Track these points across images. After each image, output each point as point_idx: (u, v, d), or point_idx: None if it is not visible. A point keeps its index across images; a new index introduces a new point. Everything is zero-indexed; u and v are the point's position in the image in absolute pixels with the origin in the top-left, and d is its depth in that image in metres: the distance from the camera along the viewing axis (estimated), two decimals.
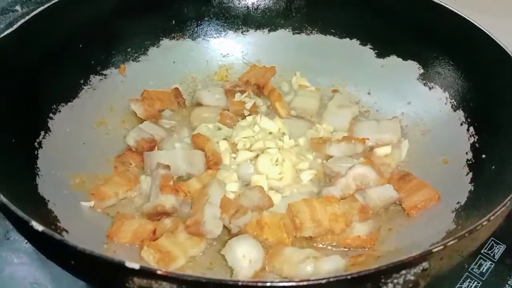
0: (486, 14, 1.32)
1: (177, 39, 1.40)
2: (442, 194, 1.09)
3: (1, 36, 1.10)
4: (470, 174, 1.10)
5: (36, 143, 1.10)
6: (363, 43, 1.37)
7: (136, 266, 0.73)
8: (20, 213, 0.82)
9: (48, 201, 1.02)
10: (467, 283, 1.11)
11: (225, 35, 1.42)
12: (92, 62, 1.29)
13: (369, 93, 1.36)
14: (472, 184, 1.08)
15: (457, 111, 1.22)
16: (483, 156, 1.10)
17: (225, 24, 1.42)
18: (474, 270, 1.13)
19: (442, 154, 1.18)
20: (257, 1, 1.41)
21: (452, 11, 1.23)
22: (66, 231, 0.97)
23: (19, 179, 1.00)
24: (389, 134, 1.23)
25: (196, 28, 1.41)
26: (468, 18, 1.21)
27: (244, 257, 0.99)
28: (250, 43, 1.42)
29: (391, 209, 1.12)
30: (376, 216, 1.10)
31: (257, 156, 1.17)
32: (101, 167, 1.17)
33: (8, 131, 1.05)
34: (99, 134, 1.24)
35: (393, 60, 1.34)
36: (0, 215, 0.94)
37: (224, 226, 1.04)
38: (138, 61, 1.36)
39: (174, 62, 1.39)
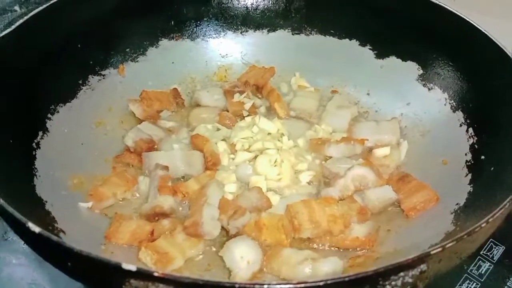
0: (485, 14, 1.32)
1: (176, 40, 1.39)
2: (441, 195, 1.08)
3: None
4: (469, 175, 1.10)
5: (34, 144, 1.10)
6: (363, 43, 1.36)
7: (133, 267, 0.73)
8: (16, 214, 0.82)
9: (46, 202, 1.02)
10: (466, 285, 1.11)
11: (224, 35, 1.42)
12: (91, 62, 1.28)
13: (368, 94, 1.35)
14: (471, 185, 1.07)
15: (457, 112, 1.21)
16: (482, 157, 1.10)
17: (224, 25, 1.41)
18: (473, 272, 1.13)
19: (441, 155, 1.18)
20: (256, 2, 1.41)
21: (451, 12, 1.23)
22: (64, 232, 0.97)
23: (16, 180, 1.00)
24: (388, 135, 1.23)
25: (195, 29, 1.41)
26: (467, 19, 1.20)
27: (242, 259, 0.99)
28: (249, 44, 1.42)
29: (390, 210, 1.11)
30: (374, 217, 1.09)
31: (255, 157, 1.16)
32: (99, 167, 1.17)
33: (6, 132, 1.04)
34: (97, 135, 1.23)
35: (393, 60, 1.33)
36: None
37: (222, 227, 1.04)
38: (137, 61, 1.35)
39: (173, 63, 1.39)
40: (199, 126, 1.25)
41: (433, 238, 0.97)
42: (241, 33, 1.42)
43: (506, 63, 1.11)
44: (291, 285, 0.74)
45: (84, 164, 1.15)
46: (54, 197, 1.04)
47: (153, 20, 1.36)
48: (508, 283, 1.11)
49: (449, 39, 1.24)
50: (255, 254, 1.00)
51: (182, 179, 1.15)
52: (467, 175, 1.10)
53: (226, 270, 1.00)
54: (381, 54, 1.35)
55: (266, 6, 1.41)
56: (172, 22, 1.38)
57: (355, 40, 1.37)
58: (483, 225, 0.84)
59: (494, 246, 1.16)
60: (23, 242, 1.11)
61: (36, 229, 0.80)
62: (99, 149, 1.20)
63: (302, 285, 0.73)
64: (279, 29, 1.41)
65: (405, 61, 1.32)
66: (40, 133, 1.13)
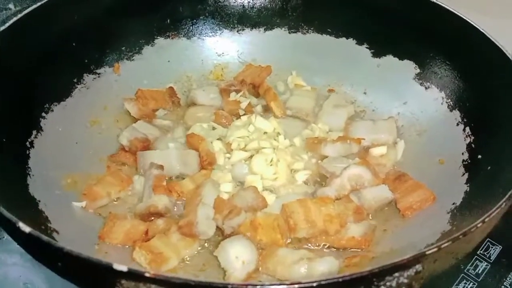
0: (483, 13, 1.31)
1: (172, 38, 1.39)
2: (437, 195, 1.08)
3: None
4: (466, 175, 1.09)
5: (27, 143, 1.09)
6: (359, 42, 1.36)
7: (124, 268, 0.72)
8: (6, 213, 0.81)
9: (39, 201, 1.01)
10: (463, 284, 1.11)
11: (220, 34, 1.41)
12: (86, 60, 1.28)
13: (365, 93, 1.35)
14: (468, 184, 1.07)
15: (453, 111, 1.21)
16: (479, 156, 1.09)
17: (220, 23, 1.41)
18: (469, 271, 1.12)
19: (438, 154, 1.17)
20: (253, 0, 1.40)
21: (448, 10, 1.23)
22: (57, 232, 0.96)
23: (9, 179, 0.99)
24: (385, 134, 1.23)
25: (191, 27, 1.40)
26: (464, 18, 1.20)
27: (237, 258, 0.98)
28: (246, 42, 1.41)
29: (386, 209, 1.11)
30: (371, 217, 1.09)
31: (251, 156, 1.16)
32: (94, 166, 1.16)
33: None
34: (92, 134, 1.23)
35: (389, 59, 1.33)
36: None
37: (217, 227, 1.03)
38: (133, 60, 1.35)
39: (169, 61, 1.38)
40: (194, 125, 1.24)
41: (429, 238, 0.97)
42: (237, 31, 1.41)
43: (504, 62, 1.11)
44: (284, 286, 0.73)
45: (78, 163, 1.15)
46: (47, 196, 1.03)
47: (149, 18, 1.35)
48: (505, 283, 1.11)
49: (446, 38, 1.24)
50: (250, 254, 1.00)
51: (177, 179, 1.14)
52: (463, 174, 1.10)
53: (221, 270, 0.99)
54: (378, 53, 1.34)
55: (262, 5, 1.40)
56: (168, 21, 1.38)
57: (352, 39, 1.36)
58: (479, 225, 0.84)
59: (491, 245, 1.16)
60: None
61: (26, 229, 0.79)
62: (94, 148, 1.20)
63: (296, 285, 0.72)
64: (276, 27, 1.41)
65: (402, 60, 1.31)
66: (34, 132, 1.12)
